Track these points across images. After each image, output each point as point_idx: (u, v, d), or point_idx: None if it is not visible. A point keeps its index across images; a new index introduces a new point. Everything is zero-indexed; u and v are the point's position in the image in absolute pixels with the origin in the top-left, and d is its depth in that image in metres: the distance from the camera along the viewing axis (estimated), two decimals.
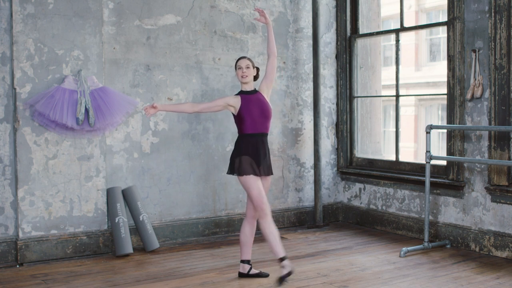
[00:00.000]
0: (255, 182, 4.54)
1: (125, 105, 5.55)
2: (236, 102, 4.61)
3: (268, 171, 4.65)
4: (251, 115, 4.59)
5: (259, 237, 6.13)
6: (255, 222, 4.74)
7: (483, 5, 5.37)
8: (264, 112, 4.64)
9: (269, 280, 4.64)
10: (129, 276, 4.81)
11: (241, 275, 4.73)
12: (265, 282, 4.61)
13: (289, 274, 4.42)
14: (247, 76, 4.64)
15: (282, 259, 4.46)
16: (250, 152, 4.57)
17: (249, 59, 4.69)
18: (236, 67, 4.68)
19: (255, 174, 4.55)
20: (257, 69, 4.76)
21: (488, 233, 5.41)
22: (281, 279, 4.41)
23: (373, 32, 6.83)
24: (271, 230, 4.52)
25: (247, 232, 4.71)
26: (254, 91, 4.71)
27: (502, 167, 5.24)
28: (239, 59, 4.70)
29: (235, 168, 4.57)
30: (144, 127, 5.83)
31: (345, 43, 6.90)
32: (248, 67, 4.65)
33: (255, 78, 4.74)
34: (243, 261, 4.74)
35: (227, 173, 4.68)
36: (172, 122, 5.97)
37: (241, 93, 4.68)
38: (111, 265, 5.15)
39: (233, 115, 4.67)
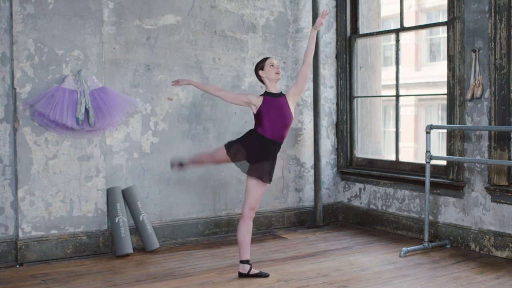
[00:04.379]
0: (222, 154, 4.70)
1: (125, 105, 5.55)
2: (258, 102, 4.63)
3: (257, 174, 4.59)
4: (270, 121, 4.59)
5: (260, 237, 6.14)
6: (251, 221, 4.72)
7: (483, 5, 5.37)
8: (284, 120, 4.62)
9: (269, 280, 4.64)
10: (129, 276, 4.81)
11: (241, 275, 4.73)
12: (265, 282, 4.61)
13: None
14: (280, 73, 4.68)
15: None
16: (252, 150, 4.59)
17: None
18: (266, 65, 4.66)
19: (236, 160, 4.65)
20: None
21: (488, 233, 5.41)
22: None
23: (373, 32, 6.83)
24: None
25: (244, 232, 4.70)
26: (280, 95, 4.70)
27: (502, 167, 5.24)
28: (266, 58, 4.72)
29: (231, 144, 4.71)
30: (144, 127, 5.83)
31: (345, 43, 6.90)
32: (278, 65, 4.70)
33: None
34: (242, 261, 4.74)
35: (225, 143, 4.77)
36: (172, 122, 5.97)
37: (266, 94, 4.68)
38: (111, 265, 5.15)
39: (253, 112, 4.70)
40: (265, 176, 4.62)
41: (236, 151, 4.65)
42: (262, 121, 4.60)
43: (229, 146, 4.71)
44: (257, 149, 4.61)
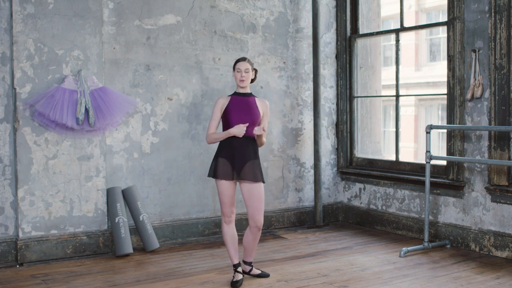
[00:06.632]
0: (223, 189, 4.50)
1: (125, 105, 5.55)
2: (225, 102, 4.54)
3: (249, 177, 4.46)
4: (238, 117, 4.47)
5: (260, 237, 6.13)
6: (259, 231, 4.66)
7: (483, 5, 5.37)
8: (252, 118, 4.51)
9: (269, 280, 4.65)
10: (129, 276, 4.81)
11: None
12: (265, 282, 4.61)
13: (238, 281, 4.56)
14: (244, 80, 4.52)
15: (235, 265, 4.62)
16: (229, 155, 4.48)
17: (249, 61, 4.55)
18: (235, 68, 4.55)
19: (227, 179, 4.47)
20: (255, 71, 4.65)
21: (488, 233, 5.41)
22: (234, 284, 4.53)
23: (373, 32, 6.83)
24: (231, 235, 4.61)
25: (249, 239, 4.65)
26: (249, 95, 4.60)
27: (502, 167, 5.24)
28: (238, 60, 4.56)
29: (212, 169, 4.54)
30: (144, 127, 5.83)
31: (345, 43, 6.90)
32: (247, 71, 4.52)
33: (252, 80, 4.64)
34: (245, 262, 4.73)
35: (208, 175, 4.62)
36: (172, 122, 5.97)
37: (234, 94, 4.59)
38: (111, 265, 5.15)
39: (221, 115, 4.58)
40: (260, 175, 4.52)
41: (221, 167, 4.47)
42: (230, 119, 4.49)
43: (211, 171, 4.54)
44: (233, 153, 4.48)
